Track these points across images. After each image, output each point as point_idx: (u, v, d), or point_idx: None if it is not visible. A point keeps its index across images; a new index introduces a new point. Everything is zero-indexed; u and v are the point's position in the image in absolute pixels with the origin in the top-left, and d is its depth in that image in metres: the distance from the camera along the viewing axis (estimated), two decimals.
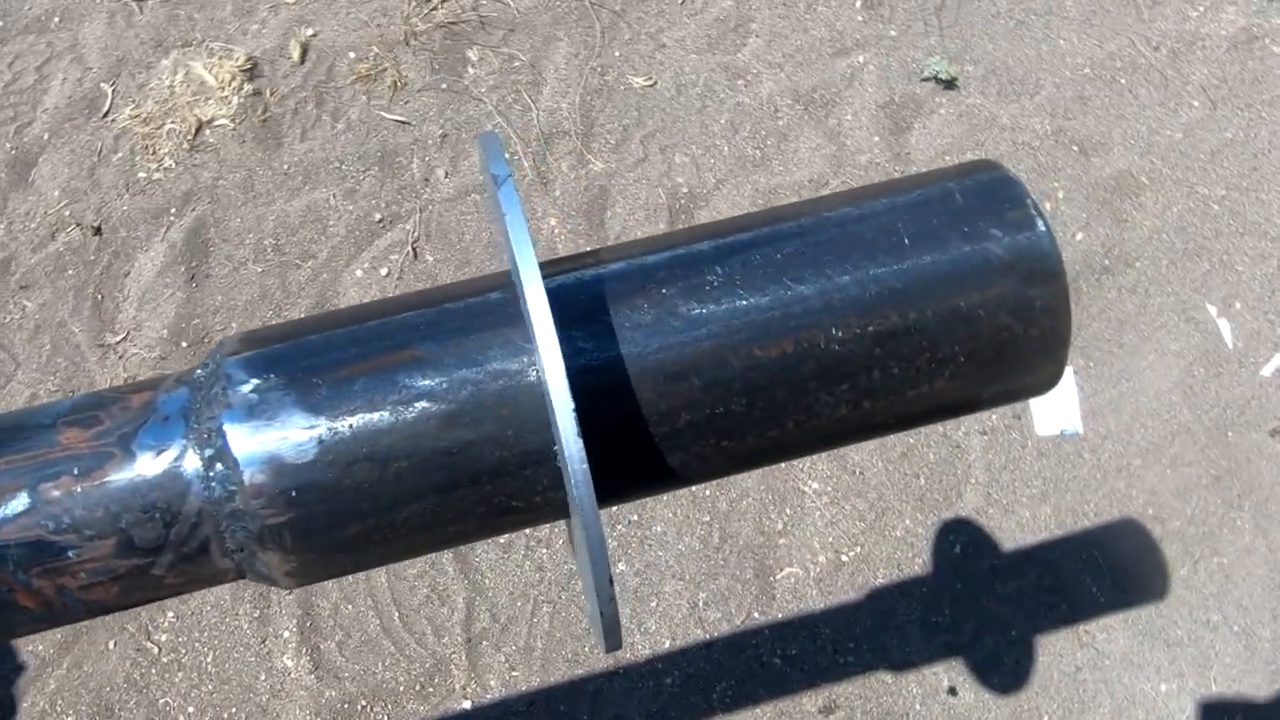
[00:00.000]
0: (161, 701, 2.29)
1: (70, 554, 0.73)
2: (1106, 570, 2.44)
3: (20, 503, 0.72)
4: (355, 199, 2.73)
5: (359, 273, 2.66)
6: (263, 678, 2.31)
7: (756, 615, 2.38)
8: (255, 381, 0.74)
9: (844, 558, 2.44)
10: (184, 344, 2.57)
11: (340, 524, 0.75)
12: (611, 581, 0.71)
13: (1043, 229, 0.79)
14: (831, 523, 2.45)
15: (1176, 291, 2.69)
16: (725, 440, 0.78)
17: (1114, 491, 2.50)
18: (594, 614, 0.75)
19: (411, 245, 2.69)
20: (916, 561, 2.44)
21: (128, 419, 0.75)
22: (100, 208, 2.71)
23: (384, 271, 2.66)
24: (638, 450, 0.77)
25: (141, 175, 2.74)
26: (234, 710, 2.30)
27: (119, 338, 2.58)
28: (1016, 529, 2.47)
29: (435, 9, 2.90)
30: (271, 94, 2.82)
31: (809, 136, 2.84)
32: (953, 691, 2.34)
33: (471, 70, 2.88)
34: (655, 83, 2.89)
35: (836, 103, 2.88)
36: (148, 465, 0.73)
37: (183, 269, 2.65)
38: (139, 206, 2.71)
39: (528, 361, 0.74)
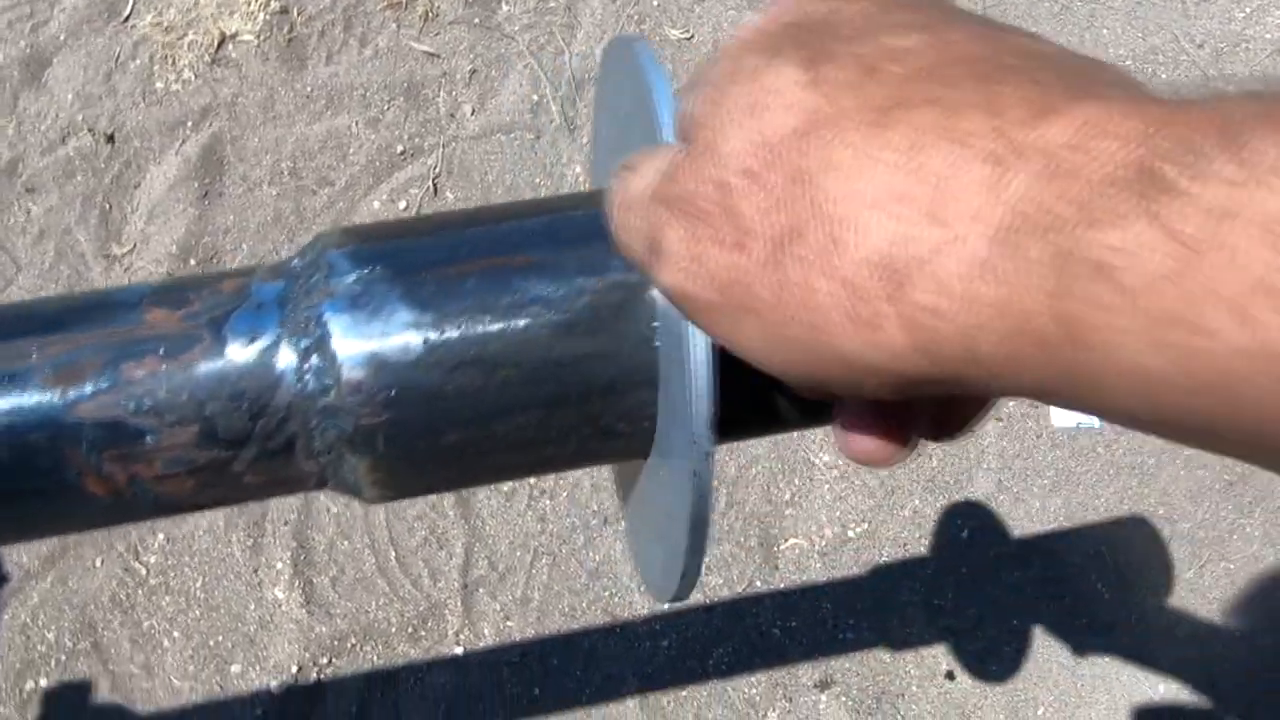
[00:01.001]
0: (147, 624, 2.24)
1: (149, 439, 0.67)
2: (1113, 567, 2.42)
3: (100, 381, 0.67)
4: (378, 128, 2.67)
5: (376, 204, 2.60)
6: (252, 608, 2.26)
7: (758, 584, 2.35)
8: (360, 272, 0.68)
9: (850, 533, 2.41)
10: (192, 261, 2.50)
11: (437, 431, 0.69)
12: (707, 520, 0.66)
13: None
14: (840, 497, 2.42)
15: None
16: None
17: (1126, 488, 2.48)
18: (674, 553, 0.70)
19: (432, 181, 2.63)
20: (923, 542, 2.41)
21: (219, 302, 0.69)
22: (114, 115, 2.63)
23: (402, 205, 2.60)
24: (747, 389, 0.73)
25: (159, 85, 2.66)
26: (221, 639, 2.25)
27: (125, 250, 2.51)
28: (1025, 518, 2.44)
29: None
30: (299, 13, 2.74)
31: None
32: (950, 676, 2.31)
33: (505, 7, 2.81)
34: (693, 36, 2.83)
35: None
36: (238, 352, 0.68)
37: (195, 185, 2.58)
38: (154, 117, 2.63)
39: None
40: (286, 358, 0.68)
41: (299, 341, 0.68)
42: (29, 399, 0.66)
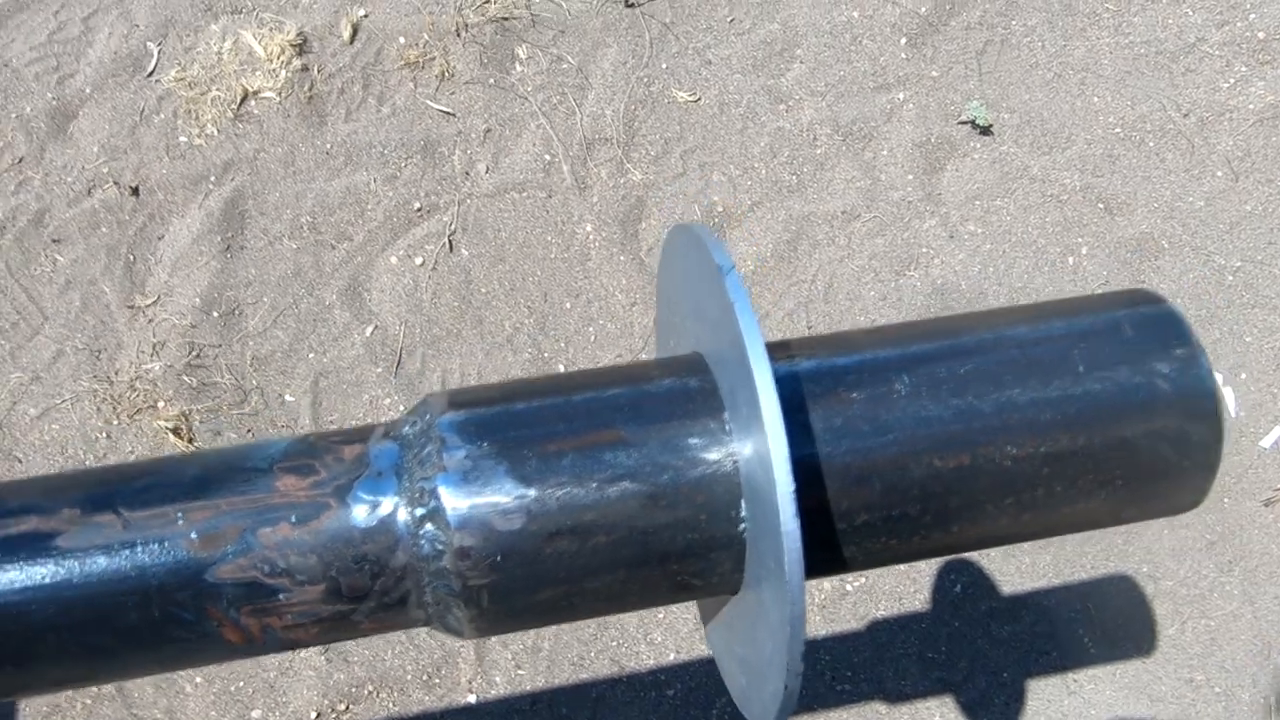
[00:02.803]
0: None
1: (281, 596, 0.76)
2: (1099, 622, 2.52)
3: (240, 545, 0.76)
4: (395, 185, 2.75)
5: (394, 259, 2.68)
6: (272, 656, 2.34)
7: None
8: (469, 448, 0.78)
9: (848, 587, 2.50)
10: (215, 314, 2.58)
11: (535, 589, 0.79)
12: (802, 656, 0.76)
13: (1205, 368, 0.85)
14: None
15: None
16: (895, 539, 0.83)
17: (1112, 546, 2.58)
18: (770, 688, 0.79)
19: (448, 237, 2.71)
20: (918, 597, 2.51)
21: (343, 470, 0.78)
22: (139, 168, 2.71)
23: (419, 261, 2.68)
24: (818, 540, 0.82)
25: (183, 139, 2.74)
26: (241, 685, 2.32)
27: (149, 301, 2.59)
28: (1016, 574, 2.54)
29: (489, 2, 2.92)
30: (319, 71, 2.83)
31: (844, 168, 2.89)
32: None
33: (519, 68, 2.90)
34: (699, 99, 2.93)
35: (874, 137, 2.93)
36: (361, 518, 0.77)
37: (218, 239, 2.65)
38: (178, 171, 2.71)
39: (726, 453, 0.79)
40: (404, 524, 0.77)
41: (415, 510, 0.77)
42: (176, 560, 0.75)
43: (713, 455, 0.79)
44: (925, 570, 2.52)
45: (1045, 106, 3.02)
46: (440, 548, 0.76)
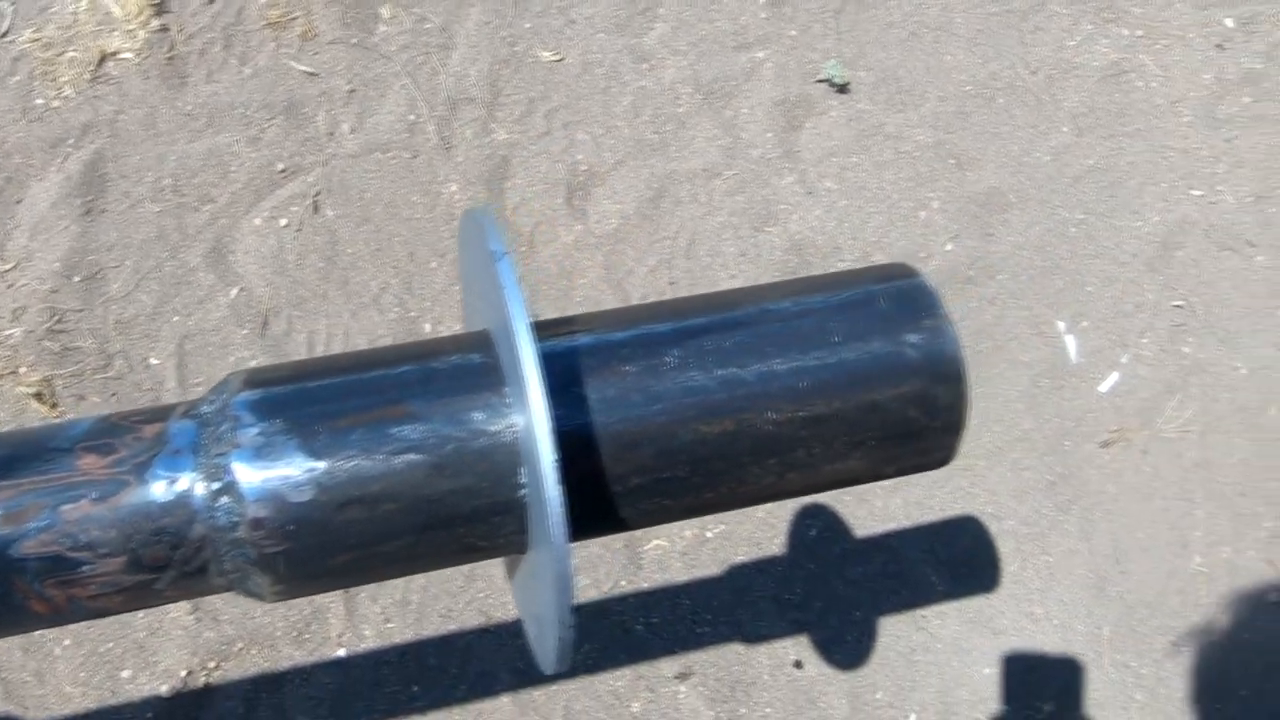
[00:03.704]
0: (37, 633, 2.34)
1: (84, 569, 0.82)
2: (945, 561, 2.65)
3: (42, 522, 0.80)
4: (258, 146, 2.76)
5: (257, 221, 2.69)
6: (140, 615, 2.37)
7: (623, 584, 2.53)
8: (263, 425, 0.83)
9: (709, 534, 2.60)
10: (76, 279, 2.58)
11: (329, 554, 0.85)
12: (572, 610, 0.83)
13: (951, 336, 0.93)
14: None
15: (1031, 306, 2.90)
16: (667, 499, 0.91)
17: (958, 489, 2.71)
18: (550, 638, 0.87)
19: (313, 198, 2.73)
20: (775, 542, 2.61)
21: (142, 449, 0.84)
22: None
23: (283, 222, 2.70)
24: (595, 503, 0.89)
25: (39, 102, 2.71)
26: (110, 645, 2.35)
27: (8, 266, 2.57)
28: (868, 517, 2.66)
29: None
30: (179, 31, 2.81)
31: (706, 126, 2.96)
32: (799, 665, 2.52)
33: (383, 27, 2.91)
34: (563, 58, 2.97)
35: (734, 95, 3.00)
36: (159, 493, 0.82)
37: (78, 202, 2.64)
38: (35, 134, 2.69)
39: (506, 424, 0.85)
40: (201, 498, 0.83)
41: (211, 485, 0.82)
42: None
43: (494, 427, 0.86)
44: (782, 516, 2.62)
45: (900, 65, 3.12)
46: (236, 519, 0.82)
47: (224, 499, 0.82)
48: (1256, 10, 3.30)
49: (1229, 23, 3.28)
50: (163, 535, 0.82)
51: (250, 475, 0.82)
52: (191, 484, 0.83)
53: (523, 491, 0.87)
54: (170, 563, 0.83)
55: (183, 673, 2.34)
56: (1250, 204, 3.06)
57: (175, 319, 2.59)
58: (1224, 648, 2.62)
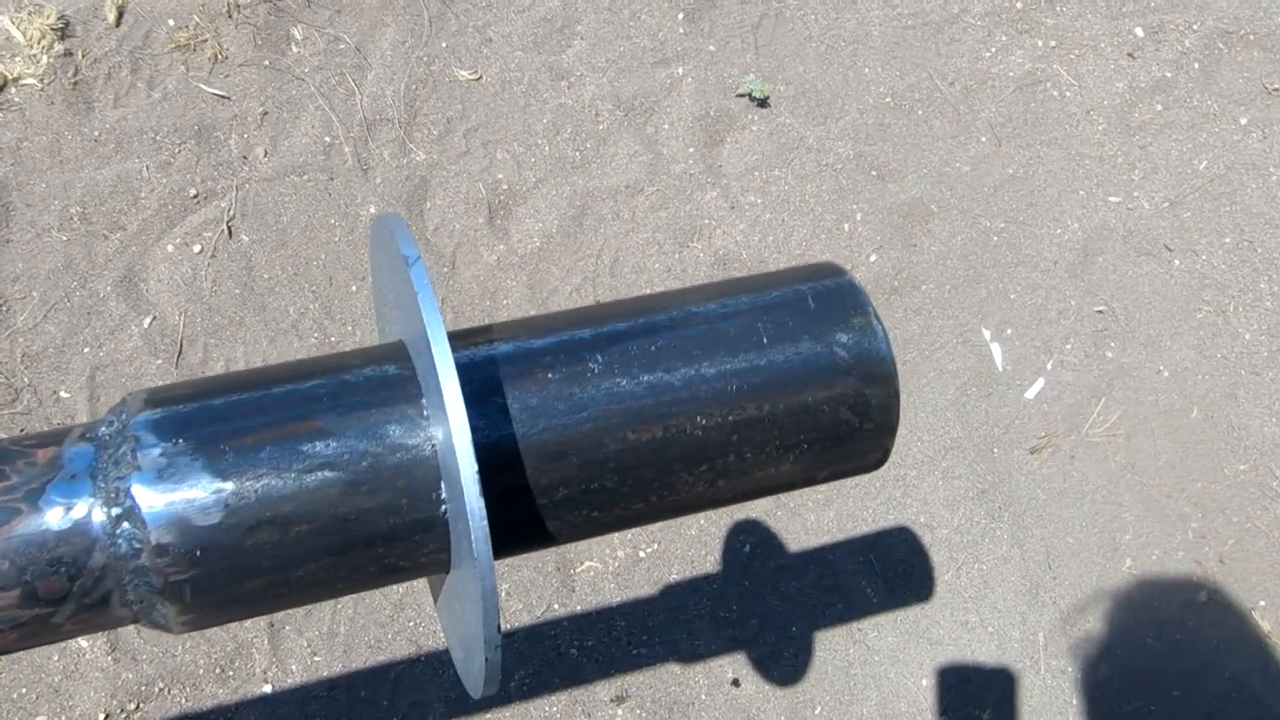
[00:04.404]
0: None
1: None
2: (880, 573, 2.64)
3: None
4: (169, 172, 2.68)
5: (170, 248, 2.62)
6: (55, 658, 2.28)
7: (556, 607, 2.48)
8: (164, 445, 0.78)
9: (641, 554, 2.56)
10: None
11: (239, 580, 0.80)
12: (499, 630, 0.79)
13: (881, 336, 0.91)
14: None
15: (956, 315, 2.91)
16: (596, 511, 0.87)
17: (891, 500, 2.71)
18: (476, 661, 0.82)
19: (227, 223, 2.66)
20: (709, 559, 2.58)
21: (35, 474, 0.78)
22: None
23: (197, 249, 2.63)
24: (520, 517, 0.86)
25: None
26: (24, 691, 2.26)
27: None
28: (802, 531, 2.64)
29: None
30: (84, 56, 2.73)
31: (627, 143, 2.93)
32: (736, 683, 2.49)
33: (295, 49, 2.86)
34: (481, 77, 2.93)
35: (655, 111, 2.99)
36: (54, 521, 0.77)
37: None
38: None
39: (424, 437, 0.81)
40: (100, 525, 0.77)
41: (111, 510, 0.77)
42: None
43: (411, 440, 0.82)
44: (716, 533, 2.60)
45: (819, 78, 3.12)
46: (138, 546, 0.77)
47: (125, 525, 0.77)
48: (1164, 19, 3.36)
49: (1139, 32, 3.33)
50: (59, 565, 0.77)
51: (152, 499, 0.77)
52: (89, 510, 0.77)
53: (444, 507, 0.83)
54: (69, 595, 0.78)
55: (101, 716, 2.25)
56: (1166, 209, 3.11)
57: (86, 350, 2.50)
58: (1157, 649, 2.64)
